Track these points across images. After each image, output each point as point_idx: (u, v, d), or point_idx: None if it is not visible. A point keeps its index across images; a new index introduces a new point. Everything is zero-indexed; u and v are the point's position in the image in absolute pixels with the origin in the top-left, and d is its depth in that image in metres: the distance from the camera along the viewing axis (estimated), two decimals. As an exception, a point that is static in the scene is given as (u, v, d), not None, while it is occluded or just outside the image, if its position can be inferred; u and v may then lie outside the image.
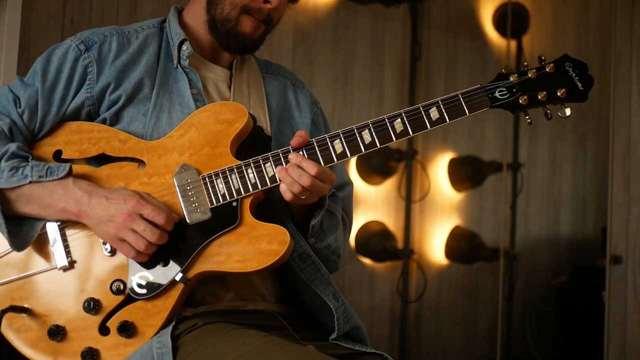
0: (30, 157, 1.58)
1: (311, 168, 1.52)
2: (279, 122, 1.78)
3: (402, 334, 4.17)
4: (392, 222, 4.16)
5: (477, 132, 4.55)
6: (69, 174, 1.55)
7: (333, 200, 1.74)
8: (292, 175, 1.53)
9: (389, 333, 4.18)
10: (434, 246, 4.32)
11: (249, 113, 1.61)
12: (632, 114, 3.56)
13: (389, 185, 4.17)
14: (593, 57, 4.67)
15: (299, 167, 1.53)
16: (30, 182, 1.54)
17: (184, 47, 1.69)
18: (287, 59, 3.71)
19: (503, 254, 4.30)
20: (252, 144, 1.63)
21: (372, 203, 4.11)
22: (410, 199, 4.20)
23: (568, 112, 1.56)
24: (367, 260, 4.07)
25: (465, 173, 4.40)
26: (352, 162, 4.01)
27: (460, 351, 4.47)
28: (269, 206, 1.65)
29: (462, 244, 4.33)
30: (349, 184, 1.86)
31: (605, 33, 4.27)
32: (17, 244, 1.57)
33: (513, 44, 4.54)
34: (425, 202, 4.27)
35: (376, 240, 3.99)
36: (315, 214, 1.64)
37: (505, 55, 4.50)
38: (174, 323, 1.55)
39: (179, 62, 1.69)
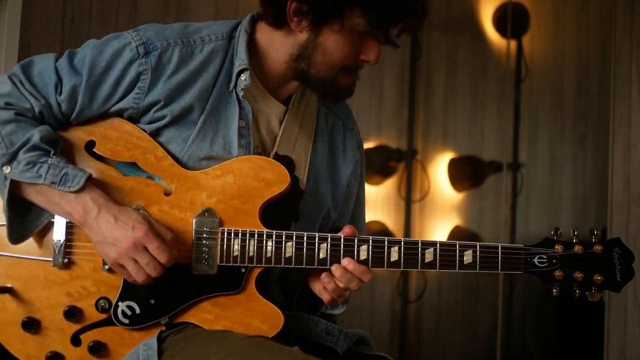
0: (52, 152, 1.52)
1: (365, 274, 1.51)
2: (320, 165, 1.72)
3: (402, 334, 4.17)
4: (392, 222, 4.16)
5: (477, 132, 4.54)
6: (82, 189, 1.49)
7: None
8: (342, 281, 1.51)
9: (389, 333, 4.17)
10: (434, 246, 4.31)
11: (291, 176, 1.55)
12: (632, 114, 3.56)
13: (389, 185, 4.17)
14: (593, 57, 4.66)
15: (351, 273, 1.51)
16: (43, 183, 1.49)
17: (243, 77, 1.59)
18: (287, 59, 3.70)
19: (503, 254, 4.29)
20: (283, 194, 1.57)
21: (372, 203, 4.10)
22: (410, 199, 4.20)
23: (597, 297, 1.51)
24: (367, 260, 4.06)
25: (465, 173, 4.39)
26: (352, 162, 4.01)
27: (460, 351, 4.46)
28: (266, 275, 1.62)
29: (462, 244, 4.32)
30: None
31: (605, 33, 4.27)
32: (18, 231, 1.54)
33: (513, 44, 4.54)
34: (425, 202, 4.27)
35: (376, 240, 3.98)
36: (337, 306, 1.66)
37: (506, 55, 4.49)
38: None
39: (234, 87, 1.61)
